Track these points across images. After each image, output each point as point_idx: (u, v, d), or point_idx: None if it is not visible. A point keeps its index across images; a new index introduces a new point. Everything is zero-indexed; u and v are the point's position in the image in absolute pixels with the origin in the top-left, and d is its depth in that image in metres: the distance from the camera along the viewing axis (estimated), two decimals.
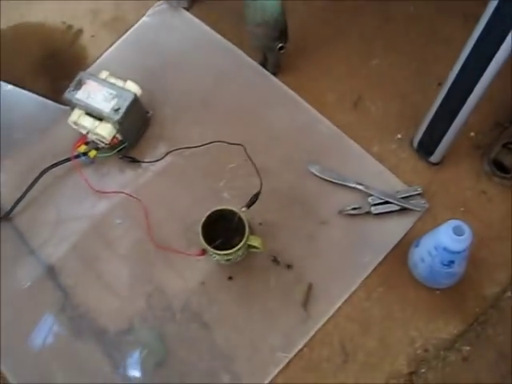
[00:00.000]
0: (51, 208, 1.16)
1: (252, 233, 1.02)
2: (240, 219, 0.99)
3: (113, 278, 1.09)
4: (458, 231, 0.88)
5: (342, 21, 1.27)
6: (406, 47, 1.23)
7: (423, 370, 0.97)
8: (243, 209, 1.01)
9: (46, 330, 1.07)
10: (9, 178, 1.20)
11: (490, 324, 1.00)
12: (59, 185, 1.17)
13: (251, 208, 1.03)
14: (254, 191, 1.04)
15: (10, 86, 1.28)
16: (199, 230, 0.98)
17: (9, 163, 1.22)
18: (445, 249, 0.90)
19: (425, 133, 1.07)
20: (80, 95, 1.10)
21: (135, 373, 1.02)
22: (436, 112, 1.02)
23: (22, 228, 1.14)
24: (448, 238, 0.88)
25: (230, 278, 1.06)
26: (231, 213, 1.00)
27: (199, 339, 1.02)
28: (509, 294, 1.02)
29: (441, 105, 1.00)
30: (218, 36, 1.30)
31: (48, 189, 1.17)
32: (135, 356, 1.03)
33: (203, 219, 0.98)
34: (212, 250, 0.97)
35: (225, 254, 0.98)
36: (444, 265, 0.93)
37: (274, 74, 1.23)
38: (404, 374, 0.97)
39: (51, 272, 1.10)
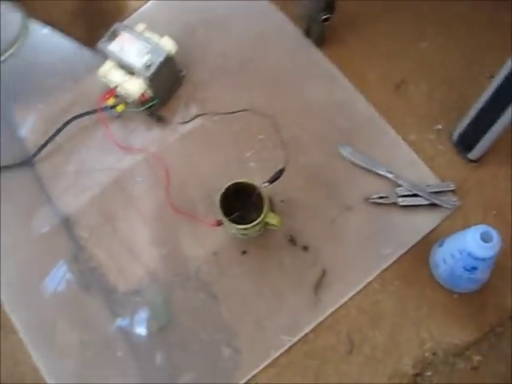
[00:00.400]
0: (74, 158, 1.14)
1: (272, 209, 0.99)
2: (259, 195, 0.96)
3: (128, 235, 1.08)
4: (485, 237, 0.83)
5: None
6: (460, 32, 1.15)
7: (429, 374, 0.94)
8: (265, 184, 0.98)
9: (60, 277, 1.07)
10: (37, 123, 1.18)
11: (505, 337, 0.95)
12: (84, 136, 1.15)
13: (274, 184, 0.99)
14: (280, 166, 1.01)
15: (46, 29, 1.25)
16: (217, 200, 0.95)
17: (39, 108, 1.20)
18: (469, 254, 0.85)
19: (467, 126, 1.01)
20: (113, 47, 1.07)
21: (141, 330, 1.02)
22: (483, 106, 0.95)
23: (42, 175, 1.13)
24: (474, 243, 0.84)
25: (244, 252, 1.03)
26: (251, 187, 0.96)
27: (205, 309, 1.01)
28: None
29: (489, 99, 0.93)
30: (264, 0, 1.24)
31: (73, 139, 1.15)
32: (142, 315, 1.03)
33: (222, 190, 0.95)
34: (228, 222, 0.95)
35: (241, 229, 0.95)
36: (466, 270, 0.89)
37: (317, 45, 1.17)
38: (408, 375, 0.94)
39: (67, 222, 1.09)
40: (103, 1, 1.29)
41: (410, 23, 1.17)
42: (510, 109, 0.89)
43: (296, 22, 1.19)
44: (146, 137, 1.15)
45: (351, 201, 1.05)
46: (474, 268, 0.88)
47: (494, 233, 0.83)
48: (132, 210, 1.10)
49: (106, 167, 1.14)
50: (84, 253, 1.07)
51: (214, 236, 1.04)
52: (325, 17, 1.05)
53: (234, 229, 0.96)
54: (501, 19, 1.16)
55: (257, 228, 0.97)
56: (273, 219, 0.96)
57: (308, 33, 1.16)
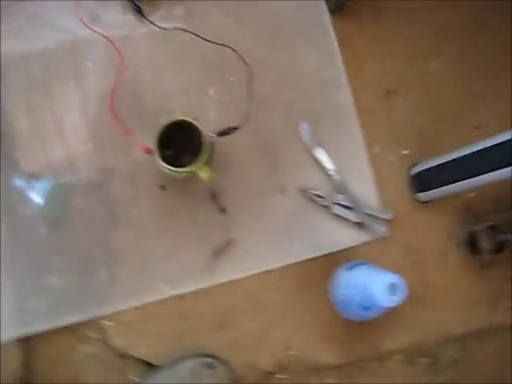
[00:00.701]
0: (33, 7, 1.00)
1: (209, 159, 0.92)
2: (201, 141, 0.89)
3: (60, 111, 0.97)
4: (392, 288, 0.82)
5: (443, 8, 1.09)
6: (472, 69, 1.08)
7: (280, 377, 0.95)
8: (212, 134, 0.90)
9: None
10: None
11: (365, 373, 0.97)
12: None
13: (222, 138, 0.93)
14: (237, 121, 0.93)
15: None
16: (157, 130, 0.87)
17: None
18: (371, 296, 0.83)
19: (430, 169, 0.97)
20: None
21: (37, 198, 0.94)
22: (454, 160, 0.91)
23: None
24: (379, 289, 0.82)
25: (163, 187, 0.96)
26: (197, 131, 0.88)
27: (100, 224, 0.95)
28: (398, 357, 0.99)
29: (463, 159, 0.89)
30: None
31: None
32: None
33: (166, 123, 0.87)
34: (158, 156, 0.87)
35: (167, 168, 0.88)
36: (361, 307, 0.87)
37: (332, 11, 1.05)
38: (261, 370, 0.94)
39: None
40: None
41: (433, 37, 1.08)
42: (475, 178, 0.86)
43: None
44: (116, 20, 1.02)
45: (288, 185, 0.99)
46: (369, 308, 0.87)
47: (402, 287, 0.82)
48: (73, 86, 0.99)
49: (63, 27, 1.01)
50: (3, 112, 0.96)
51: (140, 158, 0.96)
52: None
53: (162, 166, 0.89)
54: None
55: (183, 174, 0.90)
56: (203, 173, 0.89)
57: None
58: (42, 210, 0.94)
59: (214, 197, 0.97)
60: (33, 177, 0.96)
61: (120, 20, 1.03)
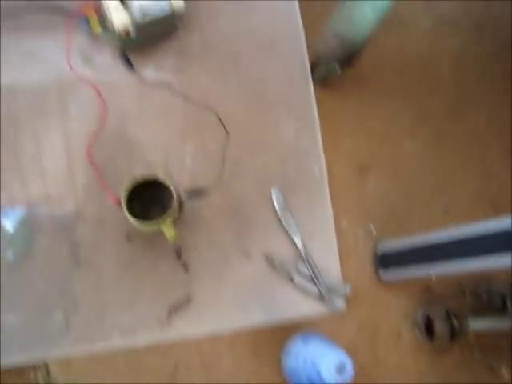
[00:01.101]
0: (26, 40, 1.03)
1: (176, 217, 0.93)
2: (171, 197, 0.90)
3: (37, 149, 1.00)
4: (341, 368, 0.83)
5: (421, 93, 1.13)
6: (449, 154, 1.11)
7: None
8: (183, 193, 0.92)
9: None
10: None
11: None
12: (46, 26, 1.04)
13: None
14: (209, 181, 0.95)
15: None
16: (126, 183, 0.88)
17: None
18: (318, 372, 0.84)
19: (394, 250, 0.99)
20: None
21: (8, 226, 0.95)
22: (422, 242, 0.93)
23: None
24: (328, 368, 0.82)
25: (129, 237, 0.97)
26: (167, 189, 0.89)
27: (61, 267, 0.95)
28: None
29: (430, 243, 0.91)
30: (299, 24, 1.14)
31: (35, 22, 1.04)
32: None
33: (137, 178, 0.88)
34: (126, 208, 0.88)
35: (133, 220, 0.89)
36: (308, 380, 0.88)
37: (316, 83, 1.09)
38: None
39: None
40: None
41: (410, 119, 1.11)
42: (439, 264, 0.87)
43: (310, 53, 1.11)
44: (107, 65, 1.05)
45: (254, 249, 1.00)
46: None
47: (349, 367, 0.83)
48: (56, 126, 1.01)
49: (54, 66, 1.04)
50: None
51: (110, 206, 0.97)
52: (339, 68, 0.98)
53: (128, 217, 0.90)
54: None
55: (149, 229, 0.91)
56: (169, 232, 0.90)
57: (314, 68, 1.08)
58: (11, 238, 0.95)
59: (178, 253, 0.98)
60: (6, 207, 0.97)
61: (110, 66, 1.06)
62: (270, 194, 1.02)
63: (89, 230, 0.97)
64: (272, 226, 1.02)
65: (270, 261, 1.00)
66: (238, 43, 1.10)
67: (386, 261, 1.01)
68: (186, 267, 0.98)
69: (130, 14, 0.95)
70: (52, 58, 1.05)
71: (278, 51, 1.11)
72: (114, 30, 0.98)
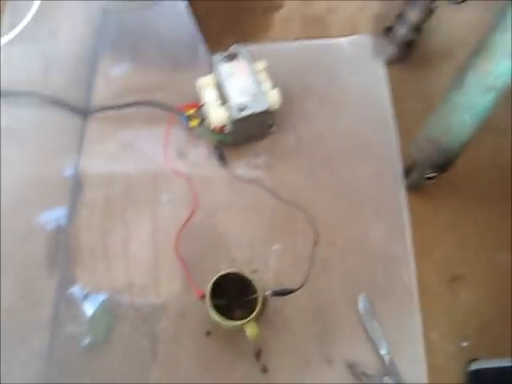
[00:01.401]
0: (123, 135, 1.11)
1: (258, 316, 0.90)
2: (255, 298, 0.88)
3: (124, 237, 1.02)
4: None
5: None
6: None
7: None
8: (268, 293, 0.90)
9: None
10: (115, 82, 1.15)
11: None
12: (145, 122, 1.11)
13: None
14: (296, 283, 0.93)
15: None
16: (213, 279, 0.88)
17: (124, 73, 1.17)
18: None
19: (490, 370, 0.90)
20: (224, 69, 1.01)
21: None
22: None
23: (87, 131, 1.12)
24: None
25: (208, 333, 0.95)
26: (253, 288, 0.88)
27: (139, 358, 0.93)
28: None
29: None
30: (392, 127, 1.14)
31: (134, 117, 1.11)
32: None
33: (223, 272, 0.88)
34: (210, 304, 0.87)
35: (216, 319, 0.87)
36: None
37: (408, 188, 1.06)
38: None
39: (78, 182, 1.07)
40: (253, 13, 1.23)
41: (509, 228, 1.05)
42: None
43: (405, 156, 1.09)
44: (201, 160, 1.09)
45: (336, 356, 0.94)
46: None
47: None
48: (146, 215, 1.04)
49: (149, 158, 1.09)
50: (72, 225, 1.02)
51: (193, 300, 0.96)
52: (431, 175, 0.96)
53: (211, 313, 0.88)
54: None
55: (231, 327, 0.89)
56: (250, 330, 0.87)
57: (407, 173, 1.06)
58: (90, 323, 0.96)
59: (258, 354, 0.94)
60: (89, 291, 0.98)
61: (204, 161, 1.09)
62: (357, 298, 0.98)
63: (170, 323, 0.96)
64: (356, 332, 0.96)
65: (352, 370, 0.94)
66: (330, 143, 1.11)
67: (479, 382, 0.93)
68: (264, 369, 0.93)
69: (229, 111, 0.98)
70: (148, 150, 1.10)
71: (369, 153, 1.11)
72: (210, 126, 1.02)
